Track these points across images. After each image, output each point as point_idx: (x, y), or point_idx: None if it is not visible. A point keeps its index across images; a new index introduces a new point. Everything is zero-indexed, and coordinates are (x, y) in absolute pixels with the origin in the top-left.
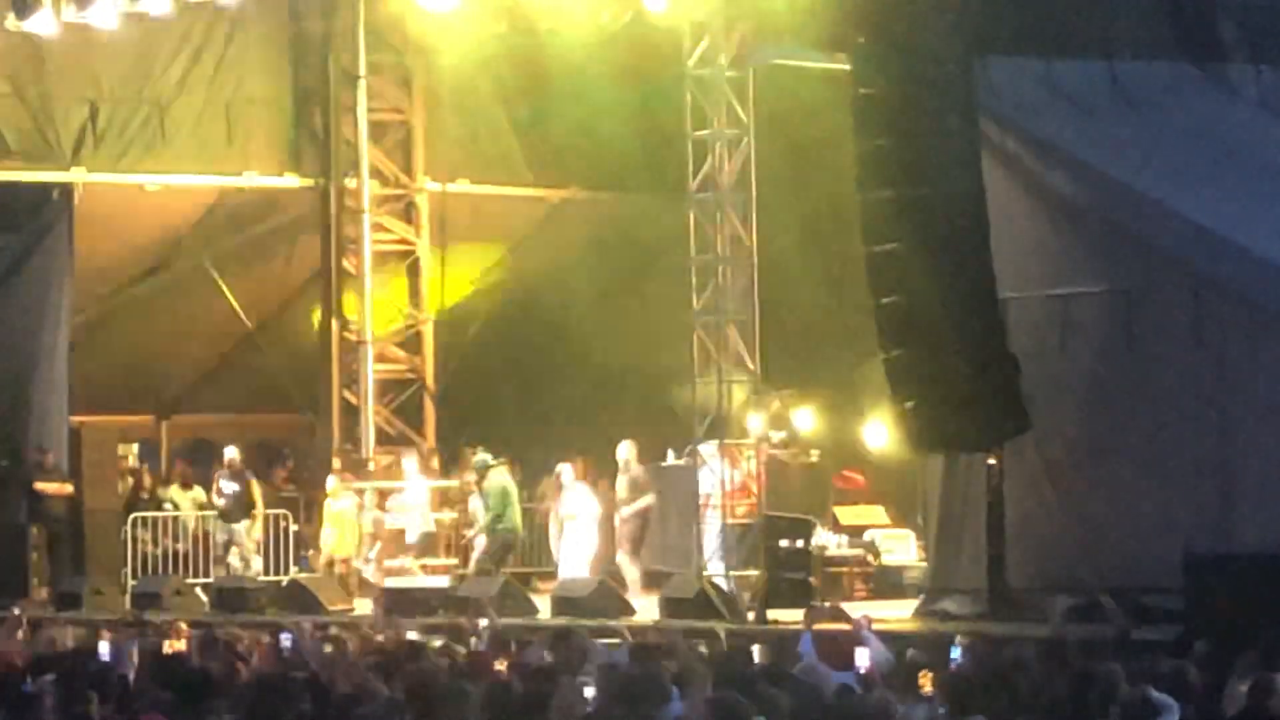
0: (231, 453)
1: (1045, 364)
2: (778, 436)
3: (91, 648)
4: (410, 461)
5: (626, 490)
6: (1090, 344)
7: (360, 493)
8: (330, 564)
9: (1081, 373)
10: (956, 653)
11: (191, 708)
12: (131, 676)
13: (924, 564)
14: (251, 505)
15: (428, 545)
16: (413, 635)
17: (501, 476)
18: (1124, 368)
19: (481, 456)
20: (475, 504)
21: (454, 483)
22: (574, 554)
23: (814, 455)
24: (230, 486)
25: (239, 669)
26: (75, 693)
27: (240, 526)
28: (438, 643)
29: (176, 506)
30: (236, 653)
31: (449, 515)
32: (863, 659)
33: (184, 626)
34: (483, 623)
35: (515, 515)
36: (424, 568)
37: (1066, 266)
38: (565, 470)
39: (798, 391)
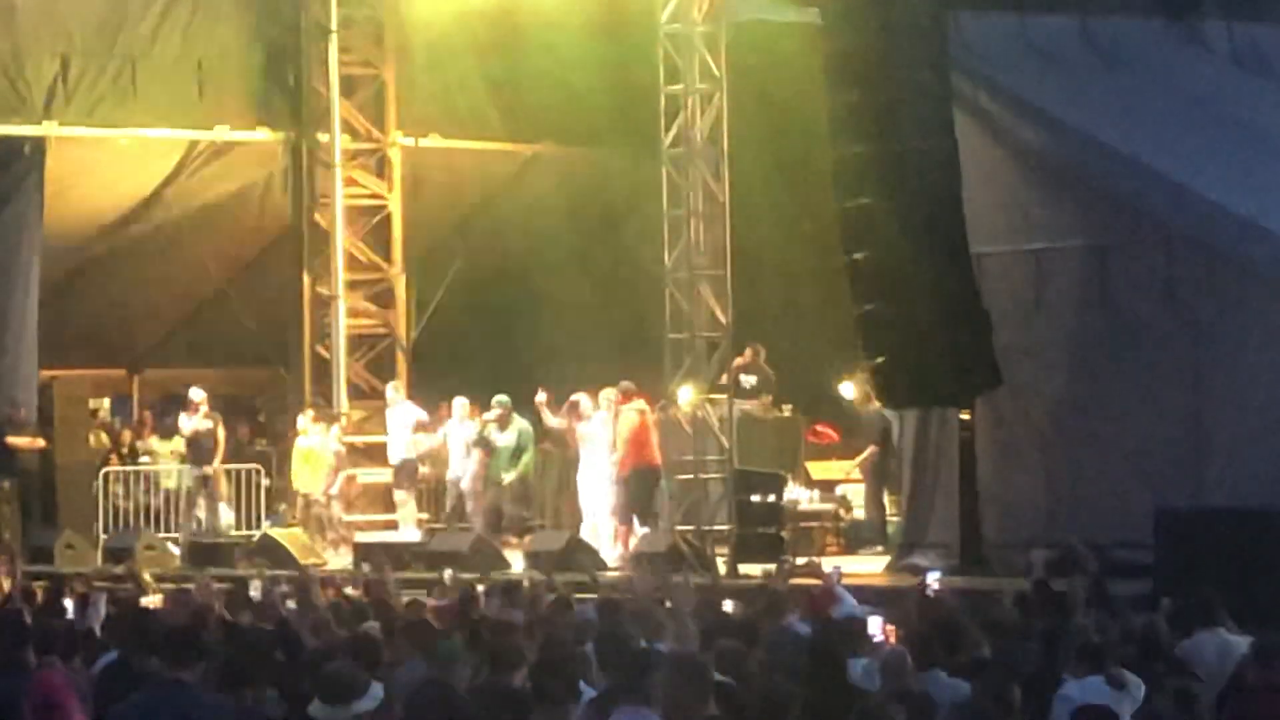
0: (198, 394)
1: (1019, 319)
2: (749, 382)
3: (58, 603)
4: (394, 388)
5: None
6: (1064, 299)
7: (328, 426)
8: (307, 504)
9: (1055, 328)
10: (934, 577)
11: (167, 661)
12: (98, 630)
13: (895, 518)
14: (216, 444)
15: (409, 473)
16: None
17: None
18: (1097, 322)
19: (502, 396)
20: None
21: (437, 437)
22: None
23: (786, 410)
24: (205, 424)
25: (211, 622)
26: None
27: (205, 471)
28: (406, 597)
29: (155, 458)
30: (209, 606)
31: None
32: (875, 627)
33: (149, 578)
34: (447, 575)
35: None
36: (420, 522)
37: (1040, 222)
38: (584, 399)
39: (769, 345)
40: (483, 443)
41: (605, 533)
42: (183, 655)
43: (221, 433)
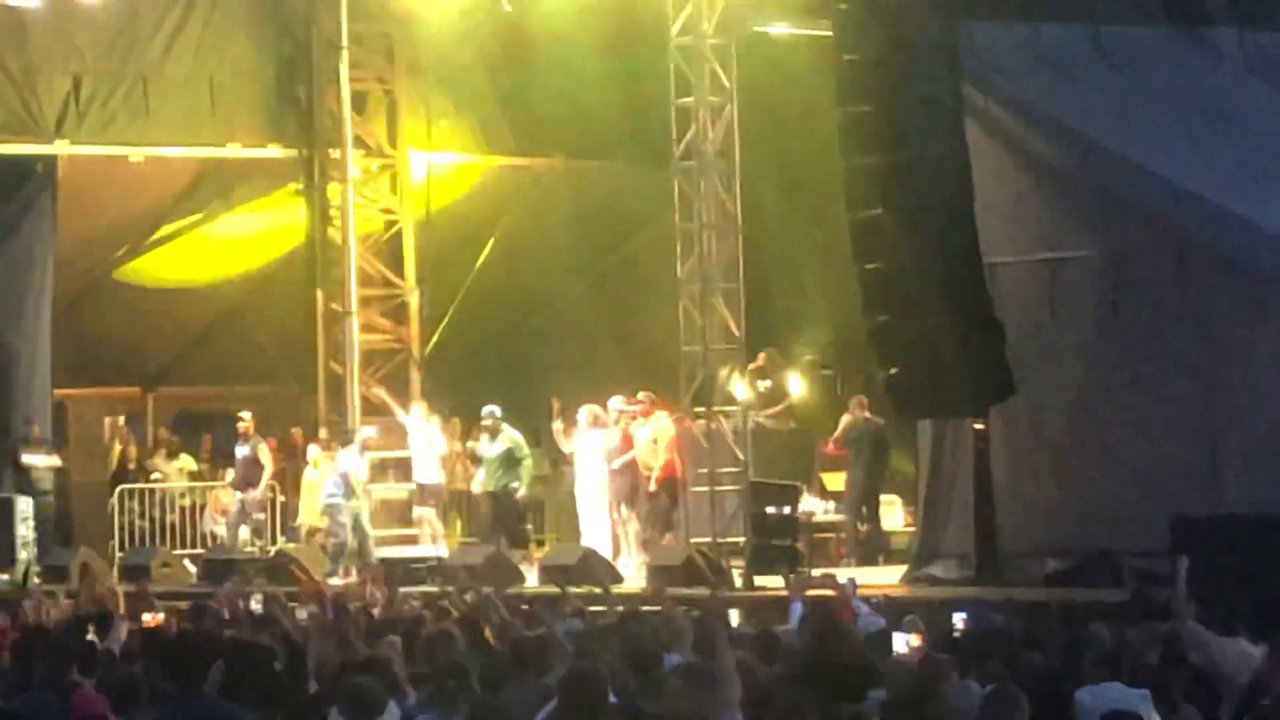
0: (246, 417)
1: (1032, 329)
2: (764, 386)
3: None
4: (416, 409)
5: (620, 440)
6: (1076, 308)
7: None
8: (311, 533)
9: (1068, 337)
10: (958, 618)
11: (181, 680)
12: (118, 651)
13: (910, 529)
14: (261, 469)
15: (434, 493)
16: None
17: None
18: (1110, 331)
19: (492, 407)
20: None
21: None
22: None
23: (790, 397)
24: (241, 451)
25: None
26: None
27: (249, 496)
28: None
29: (165, 476)
30: (220, 622)
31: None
32: (900, 644)
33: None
34: (467, 595)
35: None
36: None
37: (1052, 231)
38: (581, 413)
39: (783, 358)
40: (470, 455)
41: (605, 547)
42: (196, 669)
43: (265, 455)
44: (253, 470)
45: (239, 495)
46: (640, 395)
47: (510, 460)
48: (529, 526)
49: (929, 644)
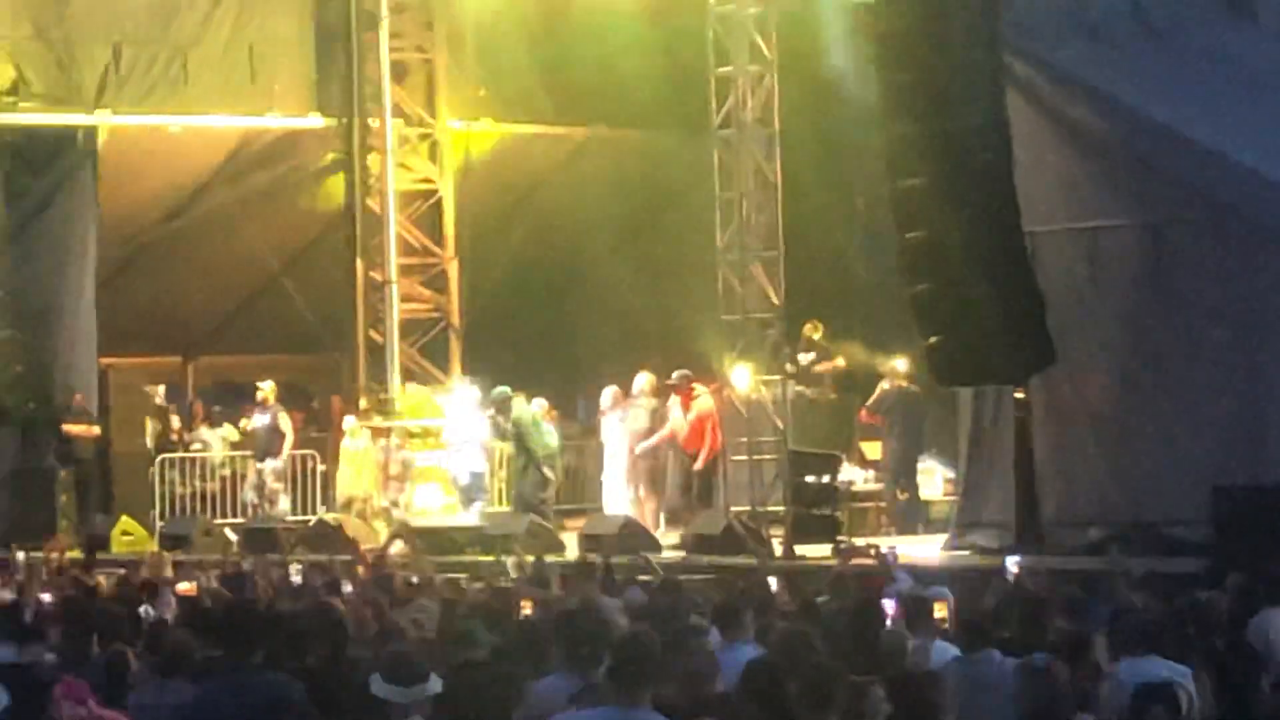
0: (265, 387)
1: (1073, 297)
2: (806, 358)
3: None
4: (470, 391)
5: (647, 420)
6: (1118, 277)
7: (386, 434)
8: (349, 503)
9: (1109, 306)
10: (1013, 561)
11: (225, 649)
12: (170, 619)
13: (950, 498)
14: (282, 438)
15: (479, 485)
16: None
17: (524, 407)
18: (1152, 300)
19: (501, 389)
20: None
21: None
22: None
23: (839, 361)
24: (260, 420)
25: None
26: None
27: (268, 465)
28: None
29: (207, 446)
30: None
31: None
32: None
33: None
34: (510, 561)
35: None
36: None
37: (1093, 200)
38: (604, 395)
39: (824, 327)
40: (499, 431)
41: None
42: (244, 639)
43: (286, 423)
44: (273, 439)
45: (258, 465)
46: (675, 375)
47: (519, 435)
48: (545, 496)
49: (958, 613)
